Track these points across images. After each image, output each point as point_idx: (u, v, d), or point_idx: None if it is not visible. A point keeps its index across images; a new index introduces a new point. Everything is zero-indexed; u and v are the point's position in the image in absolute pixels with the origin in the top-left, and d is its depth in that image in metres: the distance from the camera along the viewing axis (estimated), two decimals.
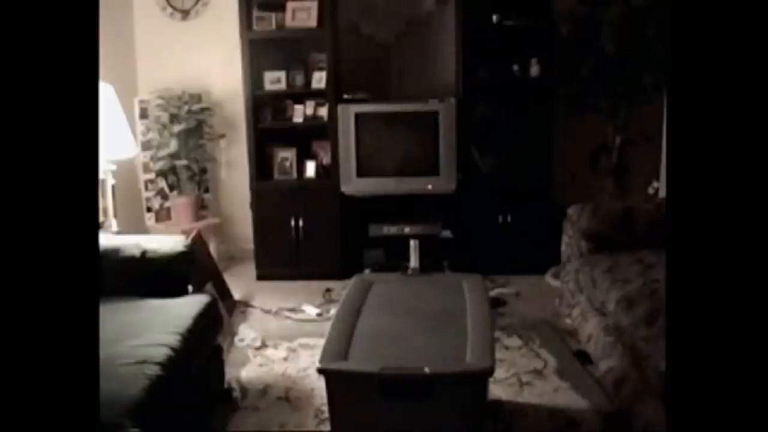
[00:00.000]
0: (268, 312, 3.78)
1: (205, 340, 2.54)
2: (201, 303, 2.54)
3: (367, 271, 3.89)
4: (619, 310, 2.52)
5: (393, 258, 3.96)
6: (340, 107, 4.09)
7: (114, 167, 3.54)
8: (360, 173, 4.12)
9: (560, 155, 4.23)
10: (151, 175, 4.44)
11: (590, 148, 4.34)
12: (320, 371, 2.11)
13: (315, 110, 4.26)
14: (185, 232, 3.72)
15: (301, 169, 4.32)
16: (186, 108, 4.41)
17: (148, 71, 4.68)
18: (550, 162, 4.22)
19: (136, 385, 1.91)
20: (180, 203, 4.47)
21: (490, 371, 2.04)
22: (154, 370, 1.99)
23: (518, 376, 2.90)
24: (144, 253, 2.65)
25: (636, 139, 4.25)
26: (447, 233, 4.15)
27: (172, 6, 4.63)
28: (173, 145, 4.36)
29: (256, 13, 4.21)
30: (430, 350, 2.21)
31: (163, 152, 4.39)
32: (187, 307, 2.49)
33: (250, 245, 4.42)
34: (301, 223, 4.23)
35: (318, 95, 4.24)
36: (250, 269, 4.38)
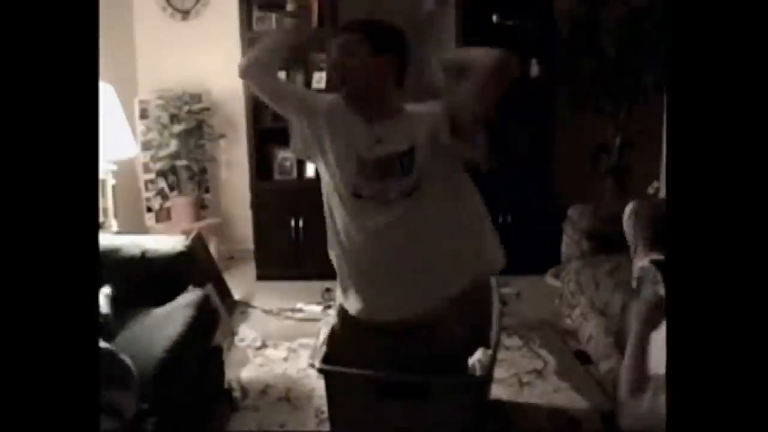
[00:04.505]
0: (268, 312, 3.78)
1: (201, 338, 2.52)
2: (193, 301, 2.53)
3: None
4: (624, 313, 2.51)
5: None
6: None
7: (114, 167, 3.54)
8: None
9: (560, 155, 4.23)
10: (151, 175, 4.44)
11: (590, 148, 4.34)
12: (320, 371, 2.10)
13: None
14: (185, 232, 3.72)
15: (301, 169, 4.32)
16: (186, 108, 4.41)
17: (148, 71, 4.68)
18: (550, 162, 4.22)
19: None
20: (180, 203, 4.47)
21: (483, 380, 2.04)
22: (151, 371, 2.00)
23: (518, 376, 2.90)
24: (144, 253, 2.65)
25: (636, 139, 4.25)
26: None
27: (172, 6, 4.63)
28: (173, 145, 4.36)
29: (256, 13, 4.21)
30: None
31: (163, 152, 4.39)
32: (180, 307, 2.48)
33: (250, 245, 4.42)
34: (301, 223, 4.23)
35: None
36: (250, 269, 4.38)
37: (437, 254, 2.04)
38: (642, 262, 2.64)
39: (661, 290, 2.40)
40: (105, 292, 2.37)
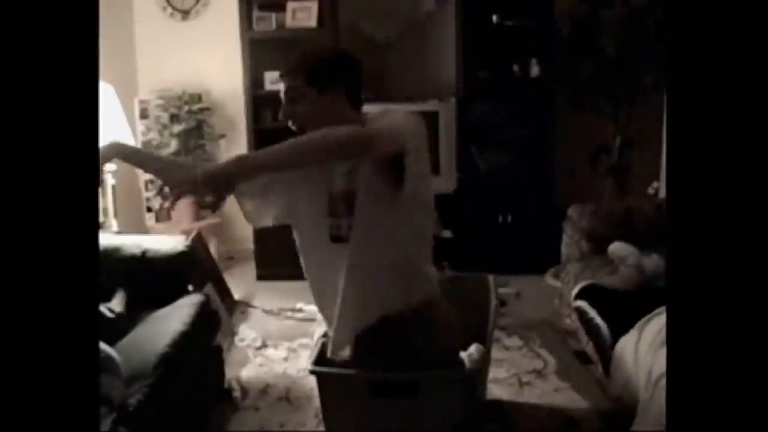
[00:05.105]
0: (268, 312, 3.78)
1: (202, 340, 2.53)
2: (194, 305, 2.53)
3: None
4: None
5: None
6: None
7: (114, 167, 3.54)
8: None
9: (560, 155, 4.23)
10: (152, 175, 4.44)
11: (590, 148, 4.35)
12: (312, 373, 2.09)
13: None
14: (185, 232, 3.72)
15: None
16: (186, 108, 4.42)
17: (148, 71, 4.68)
18: (550, 162, 4.22)
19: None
20: (180, 203, 4.47)
21: (472, 374, 2.03)
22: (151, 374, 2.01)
23: (518, 376, 2.89)
24: (144, 252, 2.65)
25: (636, 139, 4.25)
26: (447, 233, 4.14)
27: (172, 6, 4.63)
28: (173, 145, 4.36)
29: (256, 13, 4.21)
30: None
31: (164, 152, 4.38)
32: (182, 307, 2.49)
33: (250, 245, 4.42)
34: None
35: None
36: (250, 269, 4.38)
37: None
38: (573, 301, 2.69)
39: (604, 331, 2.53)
40: (120, 295, 2.49)
